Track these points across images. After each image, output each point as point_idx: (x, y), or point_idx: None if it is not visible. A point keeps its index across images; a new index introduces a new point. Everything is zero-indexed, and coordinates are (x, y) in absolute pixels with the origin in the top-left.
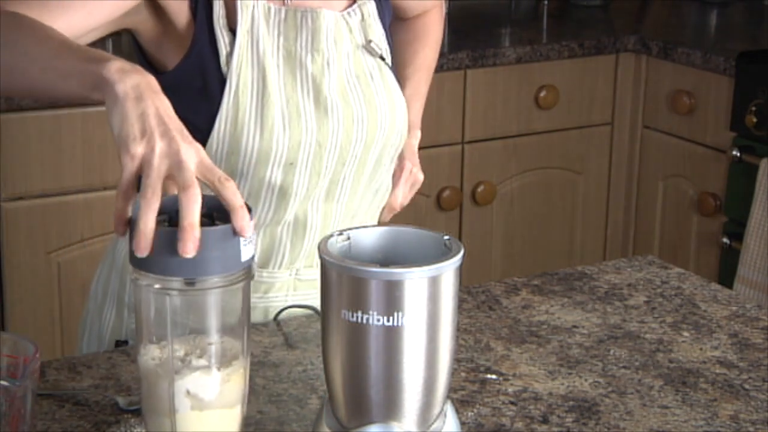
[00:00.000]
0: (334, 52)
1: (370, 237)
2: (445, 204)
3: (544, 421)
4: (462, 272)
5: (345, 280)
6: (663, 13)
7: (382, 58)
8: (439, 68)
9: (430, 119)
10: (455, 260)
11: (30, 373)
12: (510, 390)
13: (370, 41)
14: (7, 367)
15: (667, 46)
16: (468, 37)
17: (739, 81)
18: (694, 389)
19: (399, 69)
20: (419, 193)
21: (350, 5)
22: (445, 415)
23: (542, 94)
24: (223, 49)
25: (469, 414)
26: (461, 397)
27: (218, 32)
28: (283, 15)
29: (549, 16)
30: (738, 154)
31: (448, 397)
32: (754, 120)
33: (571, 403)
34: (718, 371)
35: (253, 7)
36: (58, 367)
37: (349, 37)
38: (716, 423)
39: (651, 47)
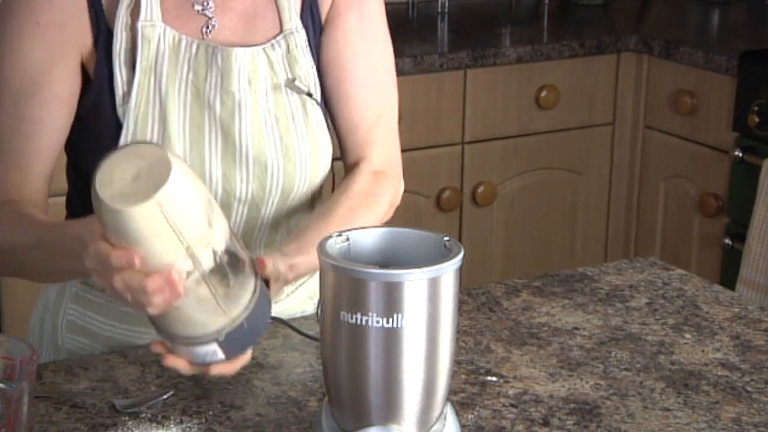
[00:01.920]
0: (247, 93)
1: (370, 238)
2: (445, 205)
3: (545, 423)
4: (462, 273)
5: (344, 281)
6: (665, 13)
7: (309, 95)
8: (439, 68)
9: (430, 119)
10: (455, 261)
11: (27, 375)
12: (510, 392)
13: (294, 79)
14: (3, 369)
15: (669, 46)
16: (468, 36)
17: (741, 81)
18: (696, 391)
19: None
20: (419, 194)
21: (275, 36)
22: (445, 418)
23: (543, 93)
24: (119, 88)
25: (469, 416)
26: (461, 400)
27: (116, 68)
28: (194, 49)
29: (550, 15)
30: (740, 155)
31: (448, 399)
32: (757, 120)
33: (572, 405)
34: (720, 373)
35: (159, 40)
36: (54, 369)
37: (269, 73)
38: (718, 426)
39: (653, 47)
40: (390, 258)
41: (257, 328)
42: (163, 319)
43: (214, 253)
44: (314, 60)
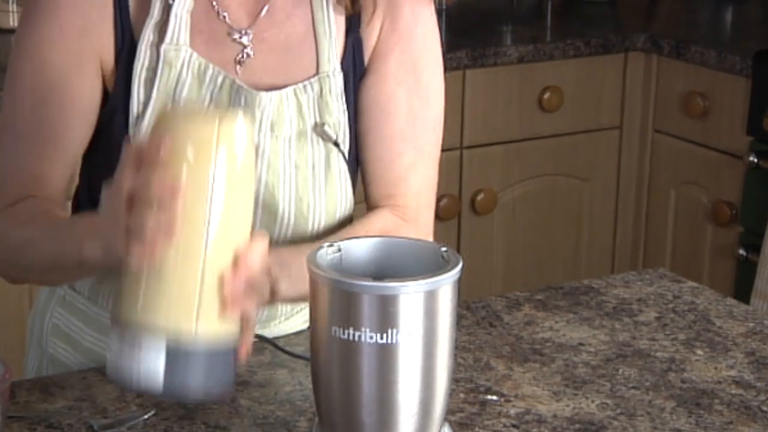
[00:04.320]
0: (268, 139)
1: (363, 248)
2: (443, 213)
3: None
4: (460, 286)
5: (335, 294)
6: (675, 10)
7: (336, 144)
8: None
9: None
10: (453, 273)
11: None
12: (512, 412)
13: (324, 124)
14: None
15: (680, 45)
16: (467, 34)
17: (756, 82)
18: (709, 411)
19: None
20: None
21: (309, 77)
22: None
23: (546, 95)
24: (134, 108)
25: None
26: (460, 420)
27: (135, 86)
28: (219, 81)
29: (553, 12)
30: (755, 160)
31: (445, 419)
32: None
33: (577, 425)
34: (734, 392)
35: (183, 65)
36: (29, 388)
37: (296, 118)
38: None
39: (662, 46)
40: (384, 269)
41: (209, 381)
42: (132, 284)
43: (231, 254)
44: (349, 106)
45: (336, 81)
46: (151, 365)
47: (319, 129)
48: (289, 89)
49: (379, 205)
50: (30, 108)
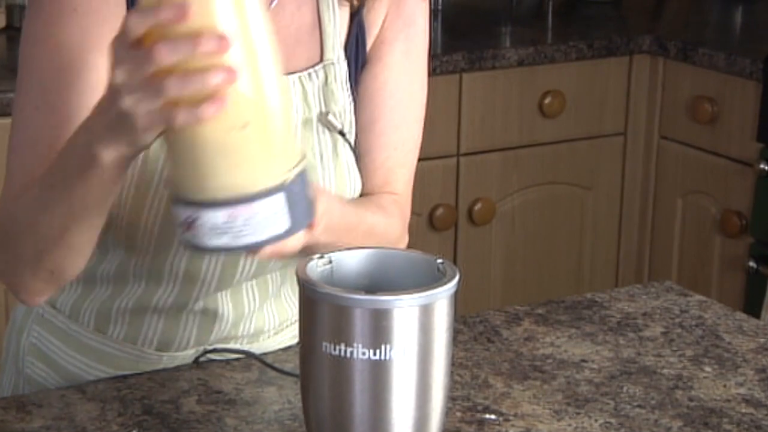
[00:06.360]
0: None
1: (355, 260)
2: (439, 223)
3: None
4: (457, 300)
5: (326, 308)
6: (682, 11)
7: (342, 133)
8: (432, 71)
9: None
10: (449, 286)
11: None
12: (511, 431)
13: (327, 113)
14: None
15: (687, 47)
16: (464, 36)
17: (767, 86)
18: (717, 430)
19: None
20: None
21: (314, 65)
22: None
23: (547, 100)
24: None
25: None
26: None
27: None
28: None
29: (554, 13)
30: (766, 168)
31: None
32: None
33: None
34: (744, 410)
35: None
36: (5, 406)
37: (302, 106)
38: None
39: (669, 48)
40: (377, 282)
41: (312, 196)
42: (218, 163)
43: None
44: (353, 95)
45: (340, 69)
46: (271, 217)
47: (324, 119)
48: (295, 76)
49: (373, 193)
50: (41, 93)
